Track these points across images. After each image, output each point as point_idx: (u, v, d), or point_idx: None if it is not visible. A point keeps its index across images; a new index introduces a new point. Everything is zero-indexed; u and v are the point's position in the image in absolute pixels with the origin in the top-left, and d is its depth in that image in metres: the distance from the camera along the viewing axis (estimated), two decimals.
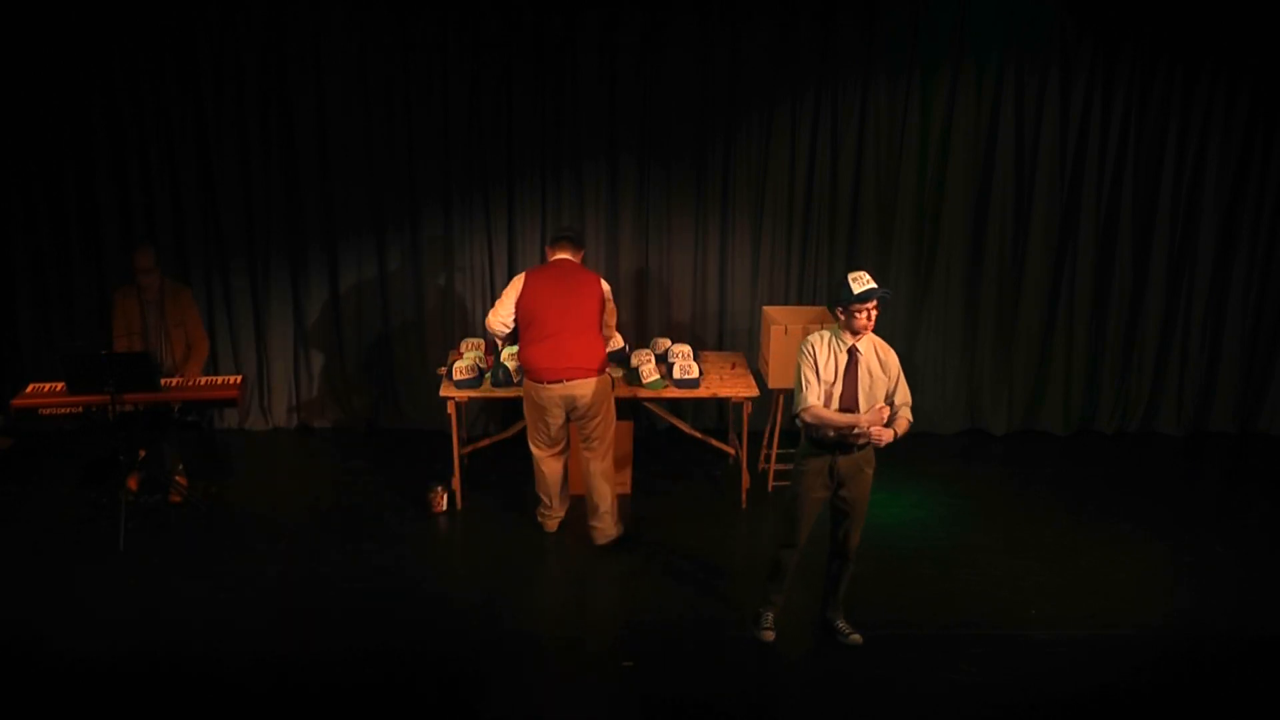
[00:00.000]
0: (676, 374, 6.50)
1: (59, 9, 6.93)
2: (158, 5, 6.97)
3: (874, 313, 4.61)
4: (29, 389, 6.12)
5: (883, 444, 4.68)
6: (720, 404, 7.68)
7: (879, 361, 4.70)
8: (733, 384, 6.57)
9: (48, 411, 6.00)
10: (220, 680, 4.74)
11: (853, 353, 4.66)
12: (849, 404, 4.65)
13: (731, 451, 6.93)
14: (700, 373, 6.53)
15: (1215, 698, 4.74)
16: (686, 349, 6.78)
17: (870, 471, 4.84)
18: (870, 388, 4.67)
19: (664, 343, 6.99)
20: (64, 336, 7.46)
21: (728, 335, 7.72)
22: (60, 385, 5.99)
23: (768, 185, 7.47)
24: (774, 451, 6.77)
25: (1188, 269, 7.65)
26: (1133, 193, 7.48)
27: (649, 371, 6.47)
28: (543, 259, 7.54)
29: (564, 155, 7.36)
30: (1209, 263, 7.62)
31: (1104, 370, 7.80)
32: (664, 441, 7.58)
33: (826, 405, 4.66)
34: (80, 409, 5.98)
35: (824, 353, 4.68)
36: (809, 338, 4.75)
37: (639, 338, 7.50)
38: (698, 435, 6.94)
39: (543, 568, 5.82)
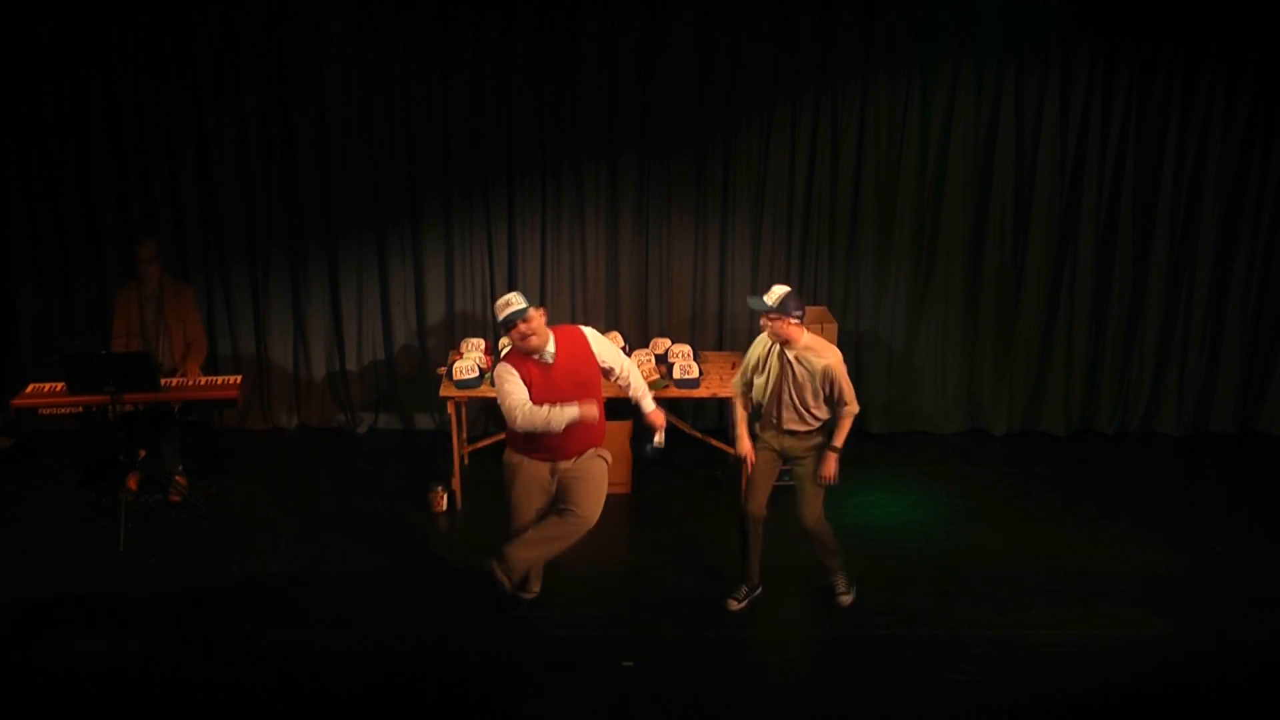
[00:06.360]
0: (676, 374, 6.50)
1: (59, 9, 6.93)
2: (158, 5, 6.97)
3: (768, 323, 4.96)
4: (29, 389, 6.13)
5: (830, 475, 5.10)
6: (720, 404, 7.67)
7: (805, 366, 5.01)
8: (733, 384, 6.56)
9: (48, 411, 6.01)
10: (220, 680, 4.74)
11: (782, 355, 5.05)
12: (775, 396, 5.07)
13: (731, 451, 6.90)
14: (700, 373, 6.53)
15: (1215, 698, 4.74)
16: (686, 349, 6.78)
17: (810, 458, 5.15)
18: (796, 388, 5.04)
19: (664, 343, 6.99)
20: (64, 336, 7.47)
21: (728, 335, 7.71)
22: (60, 385, 6.00)
23: (768, 185, 7.46)
24: None
25: (1188, 269, 7.64)
26: (1133, 193, 7.48)
27: (648, 372, 6.47)
28: (542, 259, 7.57)
29: (564, 155, 7.36)
30: (1209, 263, 7.61)
31: (1104, 370, 7.79)
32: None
33: (761, 396, 5.16)
34: (80, 409, 5.98)
35: (761, 348, 5.18)
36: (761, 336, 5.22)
37: (639, 338, 7.50)
38: (698, 435, 6.94)
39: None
